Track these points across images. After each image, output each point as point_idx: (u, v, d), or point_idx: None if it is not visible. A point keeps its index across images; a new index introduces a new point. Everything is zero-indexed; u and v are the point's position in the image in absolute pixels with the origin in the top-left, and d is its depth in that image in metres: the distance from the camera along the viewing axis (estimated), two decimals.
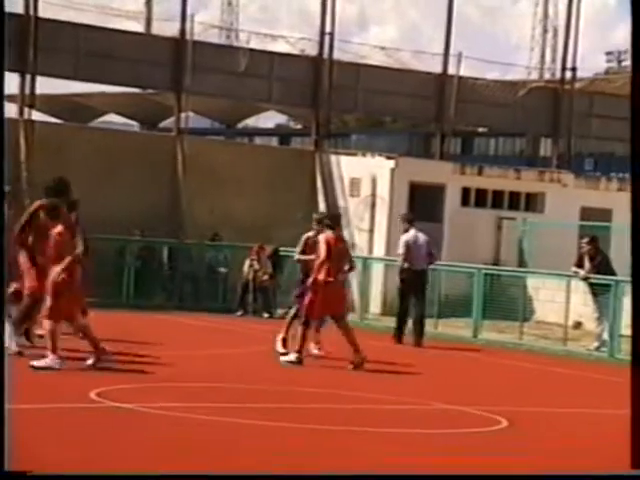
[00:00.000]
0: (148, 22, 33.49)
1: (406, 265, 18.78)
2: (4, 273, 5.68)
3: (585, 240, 19.41)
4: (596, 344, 18.77)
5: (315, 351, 15.62)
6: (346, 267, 15.33)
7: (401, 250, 18.88)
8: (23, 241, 13.88)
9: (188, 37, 26.79)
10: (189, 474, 6.66)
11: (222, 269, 24.13)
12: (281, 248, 23.07)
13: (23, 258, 13.78)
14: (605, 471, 7.25)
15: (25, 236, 13.92)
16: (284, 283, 23.12)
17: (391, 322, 20.70)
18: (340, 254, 15.06)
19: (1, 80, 5.33)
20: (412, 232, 19.04)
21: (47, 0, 25.32)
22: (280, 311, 22.44)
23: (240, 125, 54.73)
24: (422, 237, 18.98)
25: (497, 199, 27.04)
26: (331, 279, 14.74)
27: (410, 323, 18.90)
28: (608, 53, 77.31)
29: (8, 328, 12.88)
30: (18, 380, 11.75)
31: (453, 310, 21.31)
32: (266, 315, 22.34)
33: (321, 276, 14.74)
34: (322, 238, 15.08)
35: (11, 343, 13.01)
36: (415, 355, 17.46)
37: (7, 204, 15.41)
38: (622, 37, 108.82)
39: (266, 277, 22.68)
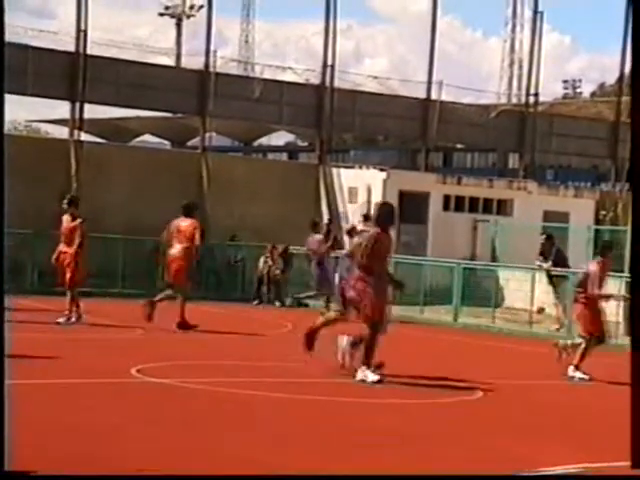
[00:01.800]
0: (178, 57, 33.58)
1: None
2: (4, 274, 5.36)
3: (543, 237, 19.42)
4: (551, 326, 18.78)
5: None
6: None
7: None
8: None
9: (211, 69, 26.83)
10: (189, 474, 6.47)
11: (238, 259, 24.13)
12: (290, 247, 23.12)
13: None
14: (605, 471, 7.19)
15: None
16: (293, 277, 23.19)
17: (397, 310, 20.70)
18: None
19: (1, 80, 5.23)
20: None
21: (94, 40, 25.41)
22: (289, 301, 22.51)
23: (255, 143, 54.67)
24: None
25: (473, 204, 27.04)
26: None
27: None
28: (564, 81, 77.06)
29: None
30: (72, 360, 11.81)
31: (436, 299, 21.32)
32: (278, 304, 22.36)
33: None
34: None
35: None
36: (406, 337, 17.47)
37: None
38: (576, 67, 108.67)
39: (278, 272, 22.70)
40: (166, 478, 6.39)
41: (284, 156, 57.08)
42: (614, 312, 18.99)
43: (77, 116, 25.35)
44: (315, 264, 20.55)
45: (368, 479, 6.74)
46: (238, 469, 6.88)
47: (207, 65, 26.79)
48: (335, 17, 28.36)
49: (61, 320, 15.64)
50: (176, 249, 15.83)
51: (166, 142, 49.43)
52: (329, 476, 6.62)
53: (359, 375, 11.11)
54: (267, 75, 28.83)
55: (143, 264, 23.03)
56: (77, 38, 24.89)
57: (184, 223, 15.75)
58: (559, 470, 7.38)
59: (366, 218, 21.30)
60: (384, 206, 11.85)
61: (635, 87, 5.77)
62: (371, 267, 11.16)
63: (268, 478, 6.56)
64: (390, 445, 8.05)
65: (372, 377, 11.06)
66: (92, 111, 29.76)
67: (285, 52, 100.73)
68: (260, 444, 7.79)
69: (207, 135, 27.77)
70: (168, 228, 15.92)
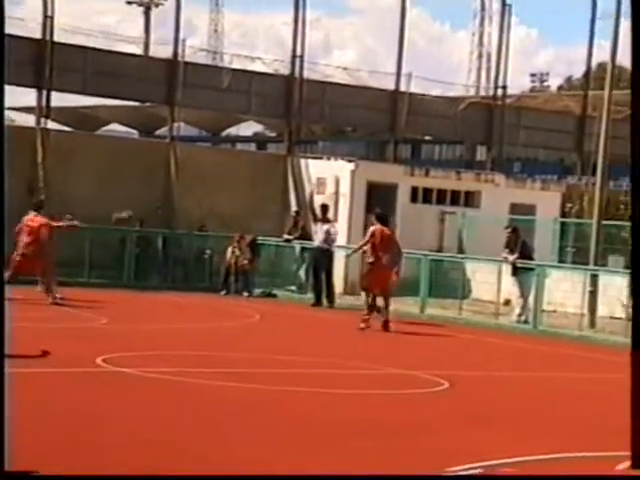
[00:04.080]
0: (146, 46, 33.35)
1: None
2: (4, 269, 5.33)
3: (508, 230, 19.47)
4: (516, 318, 18.86)
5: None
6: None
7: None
8: None
9: (180, 59, 26.66)
10: (189, 475, 6.43)
11: (207, 253, 24.07)
12: (258, 237, 23.09)
13: None
14: (605, 471, 7.22)
15: None
16: (261, 267, 23.17)
17: (352, 300, 20.78)
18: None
19: (1, 81, 5.14)
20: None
21: (61, 27, 25.17)
22: (257, 291, 22.48)
23: (224, 133, 54.47)
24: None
25: (441, 196, 27.06)
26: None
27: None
28: (532, 74, 77.32)
29: None
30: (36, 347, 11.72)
31: (404, 290, 21.32)
32: (246, 294, 22.32)
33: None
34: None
35: None
36: (372, 328, 17.50)
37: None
38: (543, 61, 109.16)
39: (246, 262, 22.65)
40: (166, 478, 6.38)
41: (252, 146, 56.92)
42: (579, 304, 19.14)
43: (44, 104, 25.11)
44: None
45: (365, 479, 6.72)
46: (196, 463, 6.85)
47: (176, 54, 26.61)
48: (304, 8, 28.30)
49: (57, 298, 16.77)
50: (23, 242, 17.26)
51: (134, 131, 49.11)
52: (329, 476, 6.63)
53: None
54: (236, 65, 28.69)
55: (110, 253, 22.92)
56: (44, 25, 24.66)
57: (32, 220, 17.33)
58: (516, 459, 7.42)
59: (324, 208, 21.55)
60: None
61: (635, 86, 5.75)
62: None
63: (268, 478, 6.56)
64: (350, 436, 8.04)
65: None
66: (59, 99, 29.52)
67: (254, 42, 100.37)
68: (223, 436, 7.76)
69: (175, 125, 27.59)
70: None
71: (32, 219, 17.43)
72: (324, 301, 20.41)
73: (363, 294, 16.76)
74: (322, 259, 20.50)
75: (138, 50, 31.10)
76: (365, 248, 16.60)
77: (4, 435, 5.03)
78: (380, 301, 16.55)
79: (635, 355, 5.60)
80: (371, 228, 16.46)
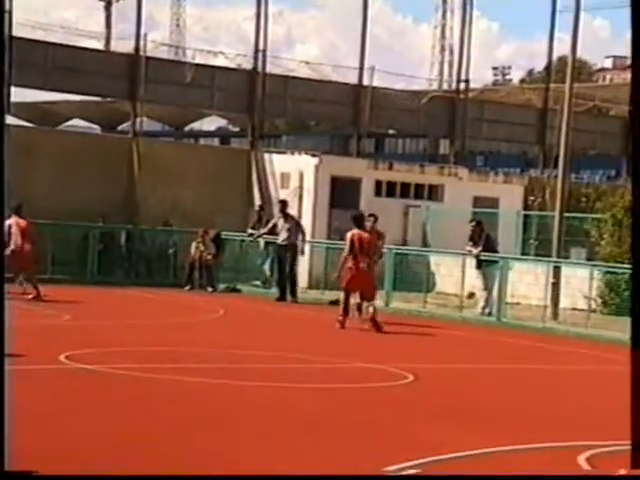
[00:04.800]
0: (107, 41, 33.10)
1: None
2: (4, 268, 5.29)
3: (472, 224, 19.55)
4: (479, 310, 18.96)
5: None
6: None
7: None
8: None
9: (142, 53, 26.52)
10: (189, 475, 6.42)
11: (171, 248, 24.00)
12: (222, 232, 23.03)
13: None
14: (605, 471, 7.24)
15: None
16: (226, 262, 23.12)
17: (317, 294, 20.80)
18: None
19: (2, 81, 5.08)
20: None
21: (20, 22, 24.96)
22: (222, 286, 22.43)
23: (187, 128, 54.26)
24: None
25: (405, 190, 27.12)
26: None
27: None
28: (494, 68, 77.67)
29: None
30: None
31: None
32: (210, 289, 22.25)
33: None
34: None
35: None
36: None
37: None
38: (505, 54, 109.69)
39: (210, 257, 22.58)
40: (166, 478, 6.36)
41: (216, 141, 56.74)
42: (542, 296, 19.27)
43: (4, 99, 24.89)
44: None
45: (364, 479, 6.70)
46: (158, 459, 6.83)
47: (137, 49, 26.48)
48: (267, 2, 28.25)
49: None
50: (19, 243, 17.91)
51: (96, 127, 48.81)
52: (329, 476, 6.61)
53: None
54: (199, 60, 28.63)
55: (73, 249, 22.76)
56: (1, 19, 24.36)
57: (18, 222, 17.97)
58: (473, 452, 7.46)
59: (283, 203, 21.39)
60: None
61: (635, 87, 5.77)
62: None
63: (267, 478, 6.54)
64: (308, 431, 8.05)
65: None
66: (20, 95, 29.26)
67: (217, 37, 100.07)
68: (188, 431, 7.74)
69: (138, 120, 27.46)
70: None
71: (17, 222, 17.96)
72: (288, 296, 20.40)
73: (342, 295, 16.36)
74: (286, 255, 20.47)
75: (99, 45, 30.91)
76: (344, 254, 16.24)
77: (4, 435, 5.04)
78: (358, 300, 16.32)
79: (635, 354, 5.66)
80: (347, 234, 16.24)
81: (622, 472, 6.70)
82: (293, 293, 20.55)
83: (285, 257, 20.50)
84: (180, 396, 9.29)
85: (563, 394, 11.15)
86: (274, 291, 21.18)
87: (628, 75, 38.76)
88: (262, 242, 22.67)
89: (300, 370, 11.61)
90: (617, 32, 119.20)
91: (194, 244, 22.71)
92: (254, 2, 28.14)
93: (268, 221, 22.50)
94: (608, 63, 71.46)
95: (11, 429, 5.01)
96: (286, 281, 20.50)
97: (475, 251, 19.04)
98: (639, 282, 5.84)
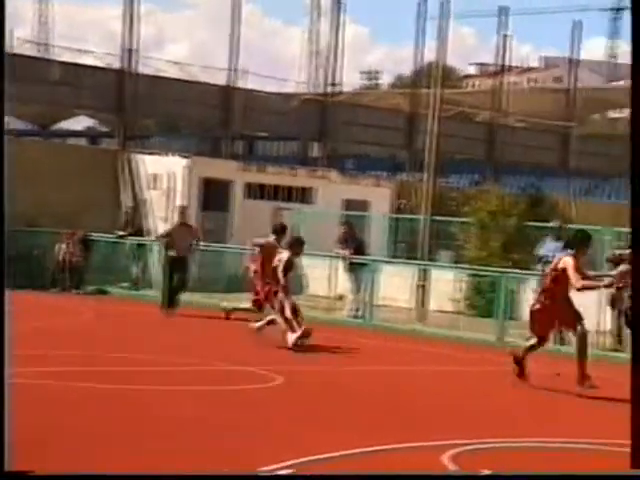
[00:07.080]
0: None
1: None
2: (4, 274, 5.18)
3: (343, 227, 19.76)
4: (349, 312, 19.15)
5: None
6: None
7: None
8: None
9: (7, 50, 25.86)
10: (188, 474, 6.34)
11: (36, 250, 23.44)
12: (90, 233, 22.65)
13: None
14: (605, 471, 7.29)
15: None
16: (94, 263, 22.72)
17: (199, 297, 20.60)
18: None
19: (1, 81, 4.93)
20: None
21: None
22: (90, 288, 22.02)
23: (54, 127, 53.14)
24: None
25: (276, 192, 27.21)
26: None
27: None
28: (364, 72, 78.62)
29: None
30: None
31: (239, 286, 21.28)
32: (77, 291, 21.87)
33: None
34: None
35: None
36: (207, 323, 17.44)
37: None
38: (374, 59, 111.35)
39: (77, 259, 22.19)
40: (165, 478, 6.27)
41: (84, 141, 55.72)
42: (410, 298, 19.58)
43: None
44: None
45: (370, 479, 6.65)
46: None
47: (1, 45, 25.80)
48: (138, 1, 27.93)
49: None
50: None
51: None
52: (329, 476, 6.57)
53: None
54: (66, 58, 28.08)
55: None
56: None
57: None
58: (338, 454, 7.51)
59: (183, 210, 20.77)
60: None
61: (635, 87, 5.85)
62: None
63: (268, 478, 6.45)
64: (160, 435, 7.97)
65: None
66: None
67: (84, 35, 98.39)
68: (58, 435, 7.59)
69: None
70: None
71: None
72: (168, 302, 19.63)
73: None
74: (179, 267, 19.58)
75: None
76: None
77: (4, 435, 4.98)
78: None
79: (635, 363, 5.88)
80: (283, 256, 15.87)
81: (486, 472, 6.86)
82: (173, 300, 19.76)
83: (178, 269, 19.59)
84: (43, 399, 9.07)
85: (426, 394, 11.33)
86: (143, 293, 20.84)
87: (492, 82, 39.80)
88: (129, 243, 22.35)
89: (168, 373, 11.49)
90: (482, 39, 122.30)
91: (61, 246, 22.30)
92: (123, 1, 27.78)
93: (135, 222, 22.08)
94: (473, 70, 73.25)
95: None
96: (171, 289, 19.53)
97: (343, 252, 19.24)
98: (639, 294, 5.94)
